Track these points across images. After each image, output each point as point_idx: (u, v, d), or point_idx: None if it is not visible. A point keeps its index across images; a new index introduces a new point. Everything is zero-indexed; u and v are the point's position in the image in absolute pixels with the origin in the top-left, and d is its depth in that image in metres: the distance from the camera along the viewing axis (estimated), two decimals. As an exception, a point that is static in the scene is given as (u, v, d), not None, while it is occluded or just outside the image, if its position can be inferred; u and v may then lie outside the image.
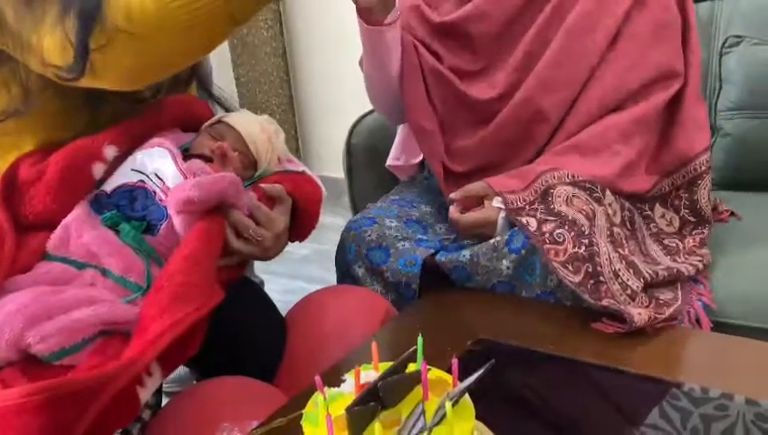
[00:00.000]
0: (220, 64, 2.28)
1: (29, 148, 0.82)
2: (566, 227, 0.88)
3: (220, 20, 0.70)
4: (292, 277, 2.00)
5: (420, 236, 1.05)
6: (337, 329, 0.88)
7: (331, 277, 1.10)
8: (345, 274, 1.05)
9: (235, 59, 2.64)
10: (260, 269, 1.75)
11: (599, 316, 0.83)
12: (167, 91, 0.92)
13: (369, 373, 0.53)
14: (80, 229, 0.77)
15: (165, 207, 0.79)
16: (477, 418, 0.50)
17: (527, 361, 0.79)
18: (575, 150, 1.02)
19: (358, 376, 0.52)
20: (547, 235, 0.89)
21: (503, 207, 0.95)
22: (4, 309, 0.67)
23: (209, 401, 0.74)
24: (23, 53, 0.73)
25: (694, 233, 1.04)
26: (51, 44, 0.70)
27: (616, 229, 0.93)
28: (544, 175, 0.98)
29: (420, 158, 1.28)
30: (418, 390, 0.50)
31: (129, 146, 0.84)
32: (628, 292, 0.84)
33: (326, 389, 0.51)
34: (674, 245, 1.02)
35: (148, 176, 0.81)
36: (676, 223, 1.06)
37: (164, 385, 0.81)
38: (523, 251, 0.91)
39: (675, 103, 1.05)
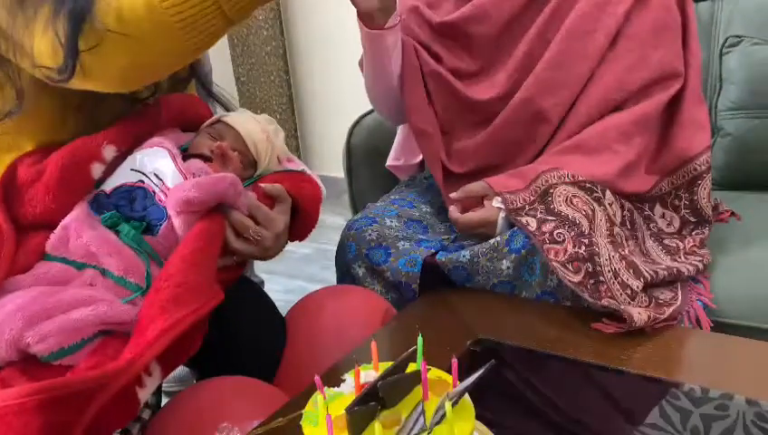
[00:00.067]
0: (220, 63, 2.28)
1: (28, 148, 0.82)
2: (566, 227, 0.88)
3: (213, 19, 0.70)
4: (292, 277, 2.00)
5: (420, 236, 1.05)
6: (337, 329, 0.88)
7: (331, 277, 1.10)
8: (345, 273, 1.05)
9: (236, 58, 2.63)
10: (260, 269, 1.75)
11: (599, 316, 0.83)
12: (166, 90, 0.92)
13: (369, 373, 0.53)
14: (79, 229, 0.77)
15: (164, 208, 0.79)
16: (477, 418, 0.50)
17: (527, 361, 0.79)
18: (575, 150, 1.02)
19: (358, 376, 0.52)
20: (547, 235, 0.89)
21: (503, 206, 0.95)
22: (4, 309, 0.67)
23: (209, 401, 0.74)
24: (15, 53, 0.73)
25: (694, 233, 1.04)
26: (42, 46, 0.70)
27: (616, 229, 0.93)
28: (544, 175, 0.98)
29: (420, 158, 1.28)
30: (418, 390, 0.50)
31: (129, 146, 0.84)
32: (628, 292, 0.84)
33: (326, 389, 0.51)
34: (674, 245, 1.02)
35: (147, 176, 0.81)
36: (677, 223, 1.06)
37: (164, 385, 0.81)
38: (523, 251, 0.91)
39: (675, 103, 1.05)
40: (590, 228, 0.88)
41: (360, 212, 1.11)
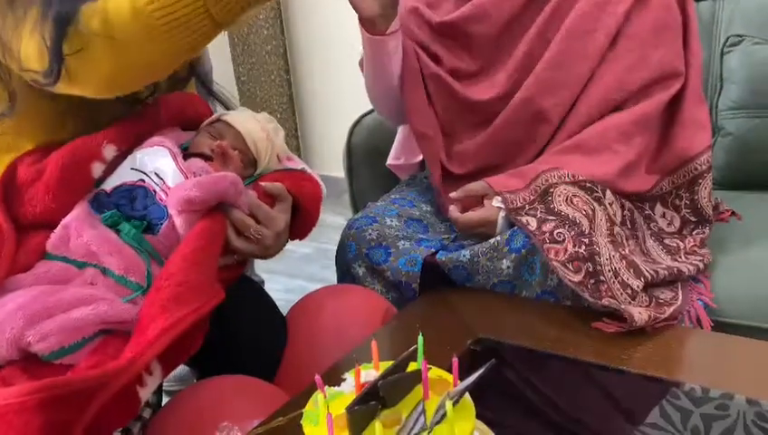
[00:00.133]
0: (221, 63, 2.28)
1: (27, 149, 0.82)
2: (566, 227, 0.88)
3: (201, 22, 0.69)
4: (293, 276, 2.00)
5: (421, 236, 1.05)
6: (337, 328, 0.88)
7: (332, 276, 1.10)
8: (345, 273, 1.05)
9: (236, 57, 2.63)
10: (260, 268, 1.75)
11: (599, 316, 0.83)
12: (165, 89, 0.92)
13: (370, 372, 0.53)
14: (80, 228, 0.77)
15: (165, 207, 0.79)
16: (478, 417, 0.50)
17: (528, 360, 0.79)
18: (575, 150, 1.02)
19: (358, 375, 0.52)
20: (547, 234, 0.89)
21: (503, 206, 0.95)
22: (5, 308, 0.67)
23: (209, 400, 0.74)
24: (5, 55, 0.73)
25: (694, 233, 1.04)
26: (29, 49, 0.70)
27: (616, 229, 0.93)
28: (544, 174, 0.98)
29: (421, 157, 1.28)
30: (419, 389, 0.50)
31: (129, 145, 0.84)
32: (629, 291, 0.84)
33: (326, 388, 0.51)
34: (674, 244, 1.02)
35: (148, 175, 0.81)
36: (677, 223, 1.06)
37: (164, 384, 0.82)
38: (523, 250, 0.91)
39: (675, 103, 1.05)
40: (591, 228, 0.88)
41: (360, 211, 1.11)
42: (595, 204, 0.93)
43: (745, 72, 1.26)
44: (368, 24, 1.01)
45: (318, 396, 0.50)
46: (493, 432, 0.56)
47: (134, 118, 0.85)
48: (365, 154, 1.43)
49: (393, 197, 1.18)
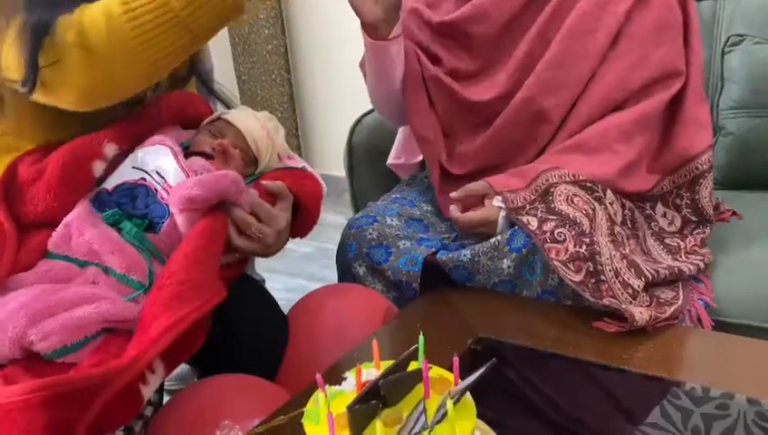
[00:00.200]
0: (222, 62, 2.28)
1: (27, 149, 0.82)
2: (567, 226, 0.89)
3: (175, 34, 0.69)
4: (293, 275, 2.00)
5: (421, 235, 1.05)
6: (338, 327, 0.88)
7: (332, 276, 1.10)
8: (346, 272, 1.05)
9: (237, 56, 2.63)
10: (261, 267, 1.75)
11: (600, 315, 0.83)
12: (165, 88, 0.92)
13: (371, 372, 0.53)
14: (81, 227, 0.77)
15: (166, 205, 0.79)
16: (479, 416, 0.50)
17: (528, 359, 0.79)
18: (576, 150, 1.02)
19: (359, 374, 0.52)
20: (548, 234, 0.89)
21: (503, 206, 0.95)
22: (7, 307, 0.67)
23: (211, 399, 0.74)
24: None
25: (695, 232, 1.04)
26: (9, 57, 0.71)
27: (617, 228, 0.93)
28: (545, 174, 0.98)
29: (421, 157, 1.28)
30: (420, 388, 0.50)
31: (130, 144, 0.84)
32: (629, 291, 0.84)
33: (327, 387, 0.51)
34: (675, 244, 1.02)
35: (149, 174, 0.81)
36: (678, 222, 1.06)
37: (165, 383, 0.82)
38: (523, 250, 0.92)
39: (676, 103, 1.05)
40: (591, 227, 0.88)
41: (360, 211, 1.11)
42: (596, 203, 0.93)
43: (746, 71, 1.26)
44: (370, 28, 1.01)
45: (319, 395, 0.50)
46: (493, 431, 0.56)
47: (135, 117, 0.86)
48: (366, 153, 1.43)
49: (394, 196, 1.18)
